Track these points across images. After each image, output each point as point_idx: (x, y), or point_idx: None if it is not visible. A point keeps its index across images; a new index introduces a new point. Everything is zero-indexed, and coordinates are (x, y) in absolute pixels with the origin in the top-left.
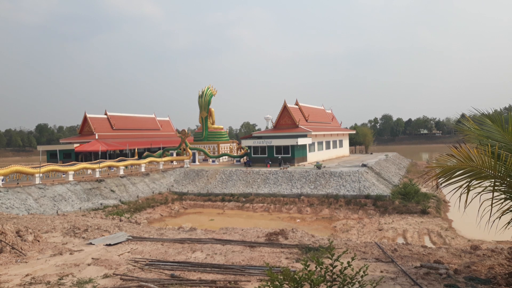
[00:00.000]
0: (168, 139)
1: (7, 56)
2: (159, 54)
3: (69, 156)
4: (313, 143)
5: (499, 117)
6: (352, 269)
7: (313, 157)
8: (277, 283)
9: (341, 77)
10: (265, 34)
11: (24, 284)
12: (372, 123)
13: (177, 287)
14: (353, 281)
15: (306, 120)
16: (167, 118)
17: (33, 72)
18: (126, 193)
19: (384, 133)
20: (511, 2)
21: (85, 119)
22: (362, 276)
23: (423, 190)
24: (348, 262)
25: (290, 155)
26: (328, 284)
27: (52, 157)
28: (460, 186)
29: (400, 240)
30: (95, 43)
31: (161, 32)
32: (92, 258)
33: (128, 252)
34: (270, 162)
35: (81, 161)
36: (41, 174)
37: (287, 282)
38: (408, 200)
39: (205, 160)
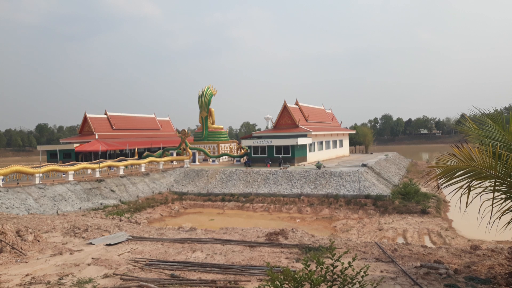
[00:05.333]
0: (168, 139)
1: (7, 56)
2: (159, 54)
3: (69, 156)
4: (313, 143)
5: (500, 116)
6: (353, 269)
7: (313, 157)
8: (277, 283)
9: (341, 77)
10: (265, 34)
11: (24, 284)
12: (372, 123)
13: (177, 287)
14: (354, 281)
15: (306, 120)
16: (167, 118)
17: (33, 72)
18: (126, 193)
19: (384, 133)
20: (511, 2)
21: (85, 119)
22: (362, 276)
23: (423, 190)
24: (349, 263)
25: (290, 155)
26: (329, 284)
27: (52, 157)
28: (461, 187)
29: (400, 240)
30: (94, 43)
31: (161, 32)
32: (92, 258)
33: (128, 252)
34: (270, 162)
35: (81, 161)
36: (41, 174)
37: (287, 282)
38: (408, 200)
39: (205, 160)
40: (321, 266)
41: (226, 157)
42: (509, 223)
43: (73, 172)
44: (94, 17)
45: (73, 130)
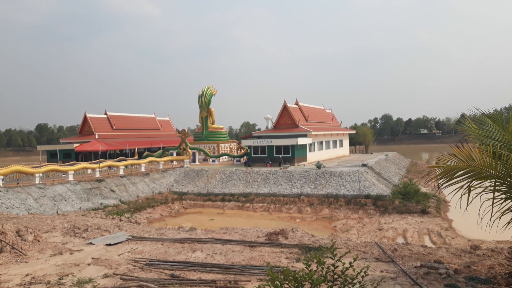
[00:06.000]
0: (168, 139)
1: (7, 56)
2: (159, 54)
3: (69, 156)
4: (313, 143)
5: (500, 116)
6: (354, 270)
7: (313, 157)
8: (277, 282)
9: (341, 77)
10: (265, 34)
11: (24, 284)
12: (372, 123)
13: (177, 287)
14: (354, 281)
15: (306, 120)
16: (167, 118)
17: (33, 72)
18: (126, 193)
19: (384, 133)
20: (511, 2)
21: (85, 119)
22: (363, 277)
23: (423, 190)
24: (350, 263)
25: (290, 155)
26: (329, 284)
27: (52, 157)
28: (461, 187)
29: (400, 240)
30: (95, 43)
31: (161, 32)
32: (92, 258)
33: (128, 252)
34: (270, 162)
35: (81, 161)
36: (41, 174)
37: (287, 282)
38: (408, 200)
39: (205, 160)
40: (322, 266)
41: (226, 157)
42: (509, 223)
43: (73, 172)
44: (94, 17)
45: (73, 130)
